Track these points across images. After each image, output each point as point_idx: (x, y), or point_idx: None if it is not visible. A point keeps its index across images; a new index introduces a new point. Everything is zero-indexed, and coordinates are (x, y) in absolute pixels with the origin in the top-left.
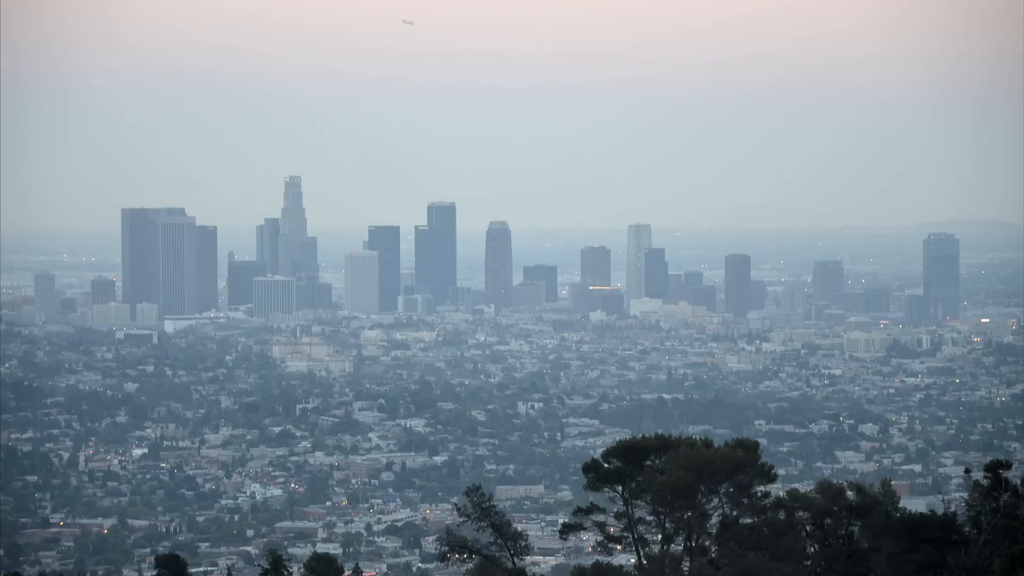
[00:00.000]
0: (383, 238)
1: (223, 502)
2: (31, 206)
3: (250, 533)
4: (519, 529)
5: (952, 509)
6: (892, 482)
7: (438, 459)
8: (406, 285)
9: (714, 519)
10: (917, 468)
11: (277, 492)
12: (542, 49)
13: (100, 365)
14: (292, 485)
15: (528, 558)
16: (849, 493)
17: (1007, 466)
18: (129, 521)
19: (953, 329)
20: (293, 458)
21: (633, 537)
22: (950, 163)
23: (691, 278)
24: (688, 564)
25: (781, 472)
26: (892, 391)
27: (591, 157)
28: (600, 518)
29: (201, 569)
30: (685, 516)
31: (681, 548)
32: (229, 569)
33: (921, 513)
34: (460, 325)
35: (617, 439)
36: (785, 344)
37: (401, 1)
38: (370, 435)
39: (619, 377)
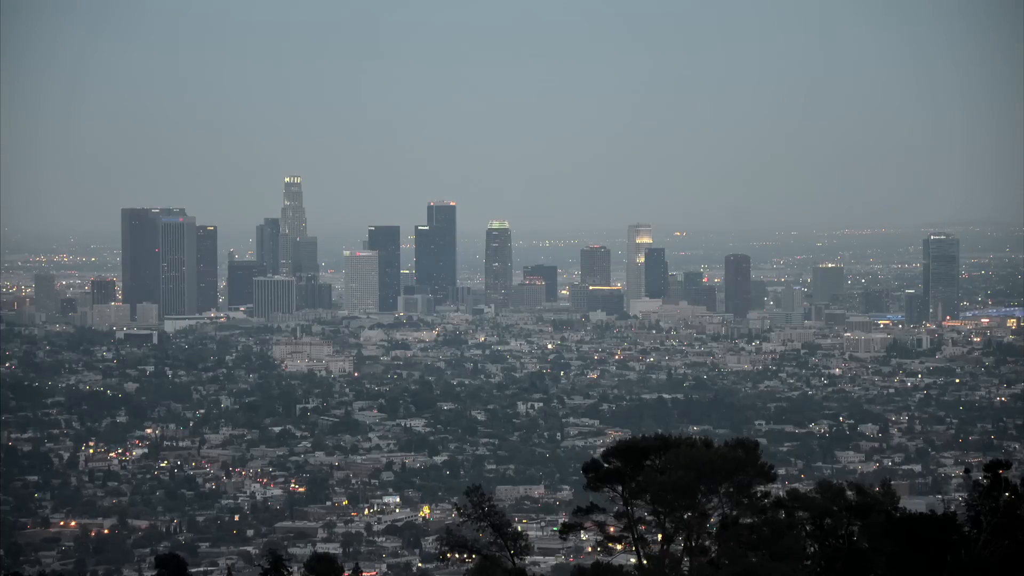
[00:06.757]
0: (383, 238)
1: (223, 502)
2: (31, 206)
3: (250, 533)
4: (519, 529)
5: (952, 509)
6: (892, 482)
7: (438, 459)
8: (406, 285)
9: (714, 519)
10: (917, 468)
11: (277, 492)
12: (543, 49)
13: (100, 365)
14: (292, 485)
15: (528, 558)
16: (849, 493)
17: (1007, 466)
18: (129, 521)
19: (953, 329)
20: (293, 458)
21: (633, 537)
22: (950, 163)
23: (691, 278)
24: (688, 564)
25: (781, 472)
26: (892, 391)
27: (591, 157)
28: (600, 518)
29: (201, 569)
30: (685, 516)
31: (681, 548)
32: (229, 569)
33: (921, 513)
34: (460, 325)
35: (617, 439)
36: (785, 344)
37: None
38: (370, 435)
39: (619, 377)
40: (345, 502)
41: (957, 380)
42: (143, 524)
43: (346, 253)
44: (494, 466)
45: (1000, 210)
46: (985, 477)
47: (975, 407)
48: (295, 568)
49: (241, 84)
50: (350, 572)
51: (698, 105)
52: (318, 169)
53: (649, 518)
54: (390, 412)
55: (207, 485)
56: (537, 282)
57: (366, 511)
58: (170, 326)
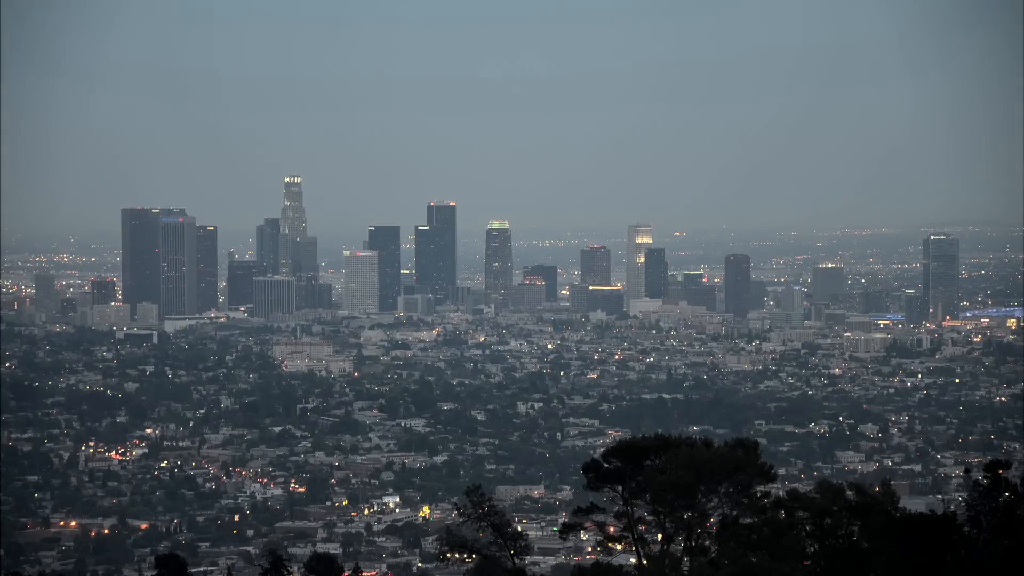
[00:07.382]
0: (383, 238)
1: (223, 502)
2: (32, 206)
3: (250, 533)
4: (519, 529)
5: (952, 509)
6: (892, 482)
7: (438, 459)
8: (406, 285)
9: (714, 519)
10: (917, 468)
11: (277, 492)
12: (542, 49)
13: (100, 365)
14: (292, 485)
15: (528, 558)
16: (849, 493)
17: (1007, 466)
18: (129, 521)
19: (953, 329)
20: (293, 458)
21: (633, 537)
22: (950, 164)
23: (691, 278)
24: (688, 564)
25: (781, 472)
26: (892, 391)
27: (591, 157)
28: (600, 518)
29: (201, 569)
30: (685, 516)
31: (681, 548)
32: (229, 569)
33: (921, 513)
34: (460, 325)
35: (617, 439)
36: (785, 344)
37: (400, 0)
38: (370, 435)
39: (619, 377)
40: (345, 502)
41: (957, 380)
42: (143, 524)
43: (346, 253)
44: (494, 466)
45: (1000, 210)
46: (985, 477)
47: (975, 407)
48: (295, 568)
49: (241, 83)
50: (350, 572)
51: (698, 104)
52: (318, 169)
53: (649, 518)
54: (390, 412)
55: (207, 485)
56: (537, 282)
57: (366, 511)
58: (170, 326)
